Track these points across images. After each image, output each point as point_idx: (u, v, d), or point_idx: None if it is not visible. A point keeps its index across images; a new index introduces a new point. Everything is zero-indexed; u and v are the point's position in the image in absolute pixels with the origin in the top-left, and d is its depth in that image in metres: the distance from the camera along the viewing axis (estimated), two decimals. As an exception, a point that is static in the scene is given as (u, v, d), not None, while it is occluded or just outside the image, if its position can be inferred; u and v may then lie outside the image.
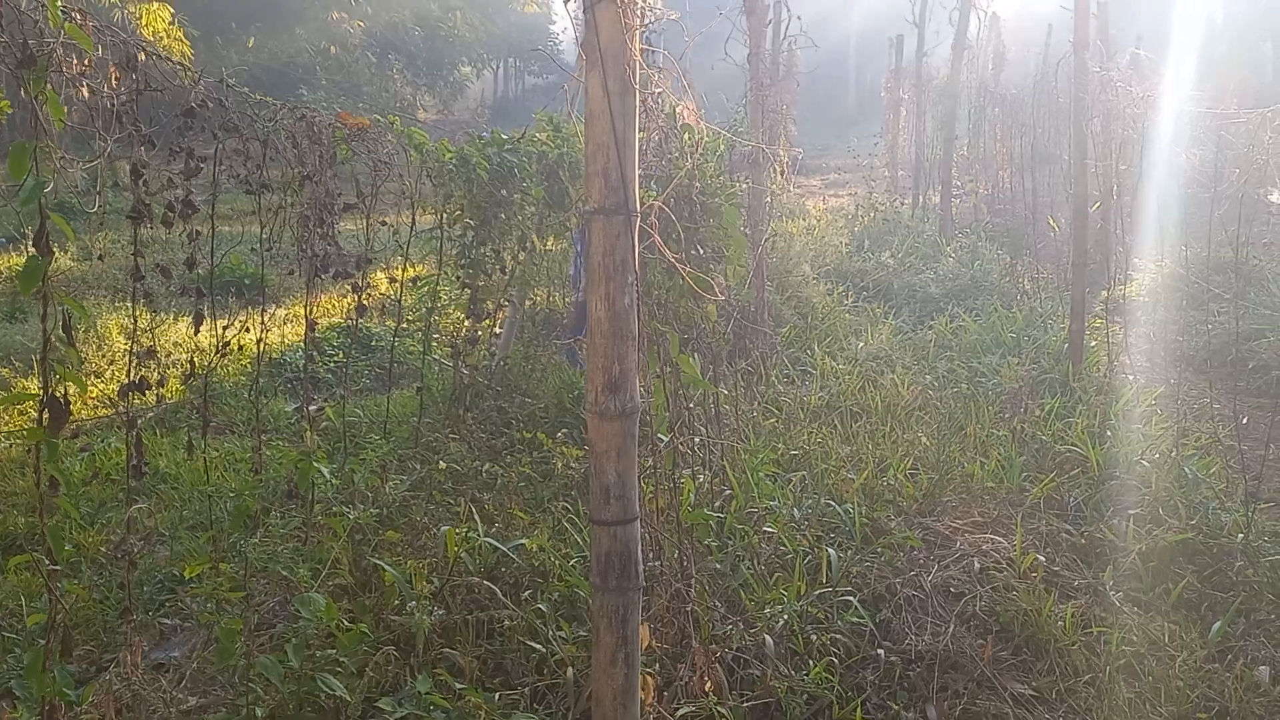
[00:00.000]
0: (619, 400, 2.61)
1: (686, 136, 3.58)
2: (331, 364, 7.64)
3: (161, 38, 17.51)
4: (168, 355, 7.76)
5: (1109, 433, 5.68)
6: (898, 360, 7.34)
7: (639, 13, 2.54)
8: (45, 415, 2.76)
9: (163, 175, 3.15)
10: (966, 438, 5.73)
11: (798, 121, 12.77)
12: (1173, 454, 5.21)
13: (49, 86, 2.60)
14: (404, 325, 7.02)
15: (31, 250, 2.61)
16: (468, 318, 6.22)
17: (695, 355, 4.19)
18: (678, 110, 3.50)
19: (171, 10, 18.28)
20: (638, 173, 2.65)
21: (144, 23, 17.45)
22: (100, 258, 9.76)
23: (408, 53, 30.52)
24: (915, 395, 6.50)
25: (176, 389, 6.61)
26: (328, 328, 8.39)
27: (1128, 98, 6.30)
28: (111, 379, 7.21)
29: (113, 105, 2.76)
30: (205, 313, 3.45)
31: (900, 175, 15.67)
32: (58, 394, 2.80)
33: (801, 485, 5.00)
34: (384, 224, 4.62)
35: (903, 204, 14.31)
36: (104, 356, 7.91)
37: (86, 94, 2.68)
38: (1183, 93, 10.14)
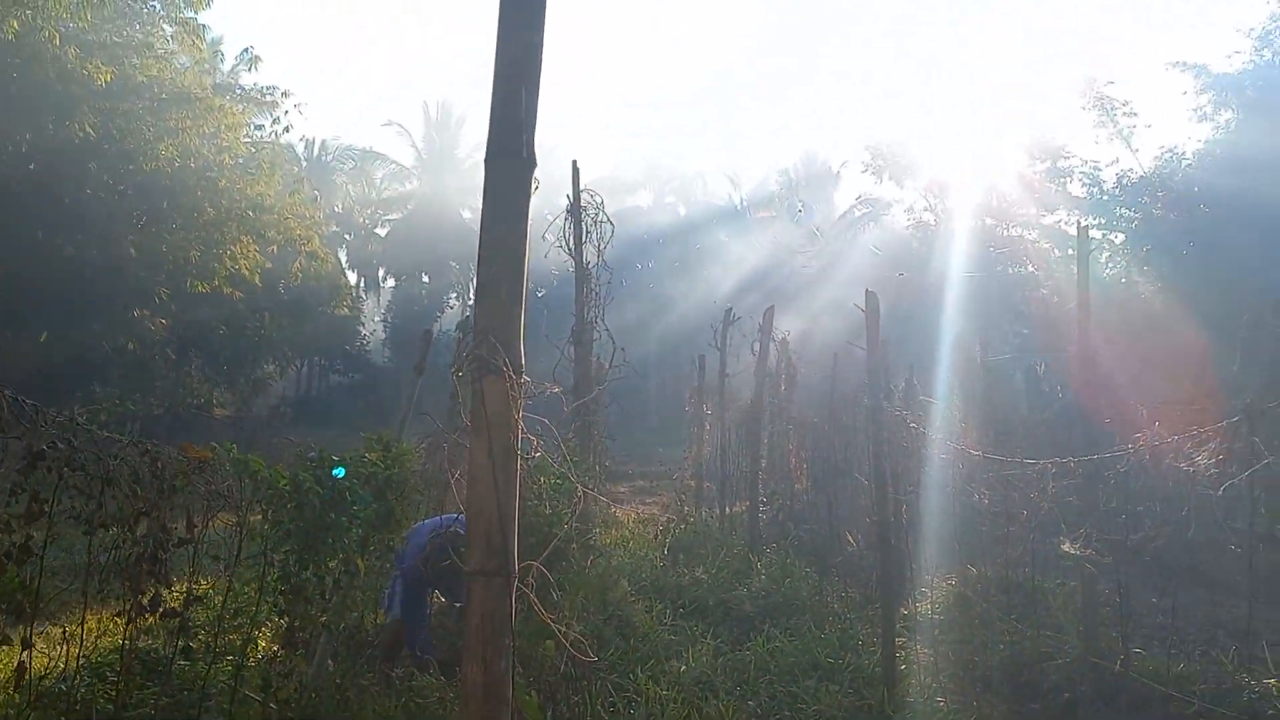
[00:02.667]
0: (493, 770, 2.54)
1: (544, 479, 3.71)
2: (114, 693, 6.96)
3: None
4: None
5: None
6: (720, 684, 7.34)
7: (522, 385, 2.71)
8: None
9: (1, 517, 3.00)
10: (796, 769, 5.72)
11: (607, 428, 13.29)
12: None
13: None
14: (206, 648, 6.54)
15: None
16: (283, 647, 5.89)
17: (534, 693, 4.11)
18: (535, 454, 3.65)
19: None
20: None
21: (-71, 313, 16.73)
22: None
23: (209, 349, 30.18)
24: (742, 723, 6.48)
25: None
26: (110, 650, 7.70)
27: (918, 436, 6.98)
28: None
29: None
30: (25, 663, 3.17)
31: (706, 486, 16.27)
32: None
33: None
34: (215, 559, 4.43)
35: (712, 514, 14.79)
36: None
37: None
38: (955, 424, 11.23)
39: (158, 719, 6.82)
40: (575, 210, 8.52)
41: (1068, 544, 3.89)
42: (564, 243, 8.60)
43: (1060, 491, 4.46)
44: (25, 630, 3.34)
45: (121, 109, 22.15)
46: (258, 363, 33.27)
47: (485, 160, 2.88)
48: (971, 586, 8.75)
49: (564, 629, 2.94)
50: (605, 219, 8.55)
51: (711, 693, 7.11)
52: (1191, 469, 4.71)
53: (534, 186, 2.89)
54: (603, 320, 8.36)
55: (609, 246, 8.62)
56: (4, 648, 3.48)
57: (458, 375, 2.70)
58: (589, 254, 8.84)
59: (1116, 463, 5.11)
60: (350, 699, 6.49)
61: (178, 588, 5.05)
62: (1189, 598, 8.25)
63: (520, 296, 2.78)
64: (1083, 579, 5.35)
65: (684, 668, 7.66)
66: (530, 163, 2.84)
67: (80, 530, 3.41)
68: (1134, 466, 5.26)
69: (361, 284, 50.14)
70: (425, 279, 49.02)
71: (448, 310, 47.31)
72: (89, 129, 20.75)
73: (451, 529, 6.40)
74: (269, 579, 5.81)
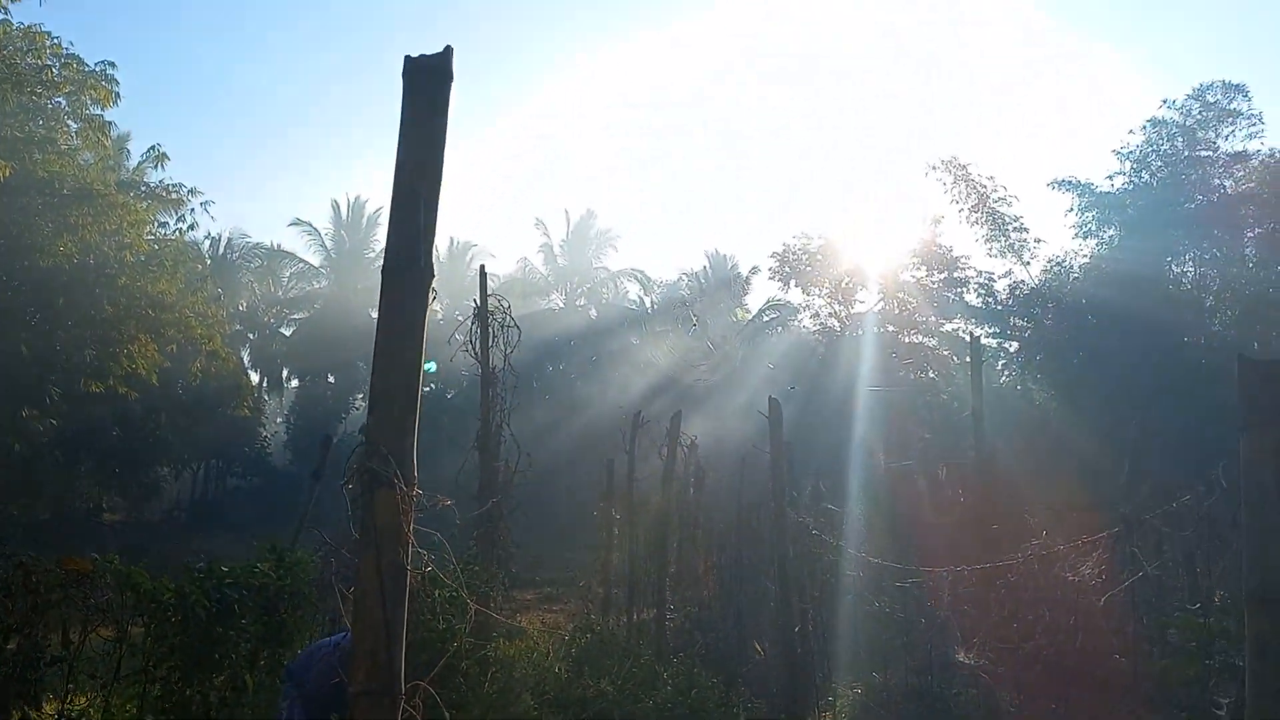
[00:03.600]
0: None
1: (438, 593, 3.64)
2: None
3: None
4: None
5: None
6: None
7: (414, 497, 2.67)
8: None
9: None
10: None
11: (512, 534, 13.05)
12: None
13: None
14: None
15: None
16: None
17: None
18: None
19: None
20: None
21: None
22: None
23: (101, 451, 29.05)
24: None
25: None
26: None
27: (822, 543, 7.04)
28: None
29: None
30: None
31: (614, 593, 16.04)
32: None
33: None
34: (92, 677, 4.21)
35: (619, 622, 14.55)
36: None
37: None
38: (860, 529, 11.36)
39: None
40: (482, 315, 8.54)
41: (962, 653, 3.95)
42: (470, 347, 8.59)
43: (955, 601, 4.55)
44: None
45: (19, 204, 21.65)
46: (152, 465, 32.13)
47: (382, 270, 2.89)
48: (876, 696, 8.74)
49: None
50: (512, 323, 8.57)
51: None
52: (1076, 578, 4.85)
53: (431, 297, 2.90)
54: (508, 425, 8.32)
55: (515, 350, 8.63)
56: None
57: (348, 488, 2.66)
58: (495, 358, 8.84)
59: (1008, 570, 5.24)
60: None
61: (49, 708, 4.77)
62: (1084, 704, 8.35)
63: (414, 407, 2.77)
64: (981, 688, 5.41)
65: (587, 786, 7.46)
66: (428, 273, 2.86)
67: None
68: (1024, 575, 5.39)
69: (264, 384, 49.06)
70: (331, 380, 48.22)
71: (353, 411, 46.45)
72: (-17, 224, 20.23)
73: (345, 646, 6.15)
74: (150, 696, 5.53)
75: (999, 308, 29.57)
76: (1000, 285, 29.94)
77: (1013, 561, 5.31)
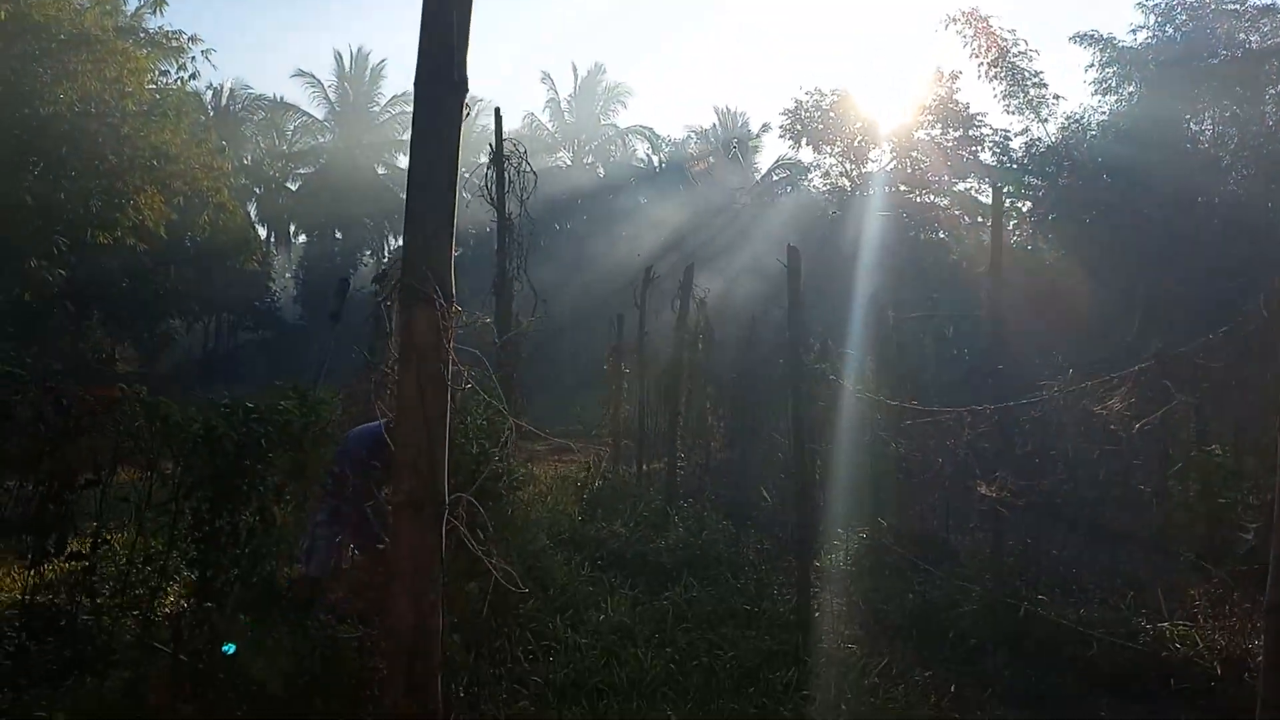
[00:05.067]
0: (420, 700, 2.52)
1: (469, 419, 3.67)
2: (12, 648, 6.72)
3: None
4: None
5: (842, 706, 5.98)
6: (639, 632, 7.42)
7: (453, 314, 2.66)
8: None
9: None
10: (712, 714, 5.83)
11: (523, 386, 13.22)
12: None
13: None
14: (116, 602, 6.35)
15: None
16: (195, 596, 5.75)
17: (457, 636, 4.09)
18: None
19: None
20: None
21: None
22: None
23: (111, 303, 29.13)
24: (659, 669, 6.57)
25: None
26: (8, 605, 7.42)
27: (836, 389, 7.10)
28: None
29: None
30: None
31: (625, 444, 16.33)
32: None
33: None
34: (124, 500, 4.30)
35: (630, 471, 14.86)
36: None
37: None
38: (869, 382, 11.44)
39: (60, 674, 6.62)
40: (498, 158, 8.41)
41: (984, 486, 4.03)
42: (485, 193, 8.49)
43: (975, 439, 4.62)
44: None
45: (15, 49, 21.07)
46: (163, 317, 32.29)
47: (414, 86, 2.81)
48: (884, 536, 8.96)
49: (495, 563, 2.92)
50: (529, 169, 8.44)
51: (630, 640, 7.18)
52: (1105, 411, 4.90)
53: (465, 113, 2.82)
54: (524, 271, 8.29)
55: (530, 198, 8.52)
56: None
57: (386, 305, 2.65)
58: (511, 205, 8.74)
59: (1031, 408, 5.29)
60: (264, 651, 6.37)
61: (79, 544, 4.87)
62: (1090, 550, 8.58)
63: (450, 225, 2.73)
64: (992, 525, 5.51)
65: (602, 617, 7.73)
66: (461, 88, 2.77)
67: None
68: (1047, 412, 5.45)
69: (272, 239, 48.84)
70: (338, 236, 47.98)
71: (361, 268, 46.35)
72: (-20, 69, 19.75)
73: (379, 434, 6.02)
74: (179, 528, 5.66)
75: (1013, 167, 29.04)
76: (1016, 143, 29.36)
77: (1036, 399, 5.35)
